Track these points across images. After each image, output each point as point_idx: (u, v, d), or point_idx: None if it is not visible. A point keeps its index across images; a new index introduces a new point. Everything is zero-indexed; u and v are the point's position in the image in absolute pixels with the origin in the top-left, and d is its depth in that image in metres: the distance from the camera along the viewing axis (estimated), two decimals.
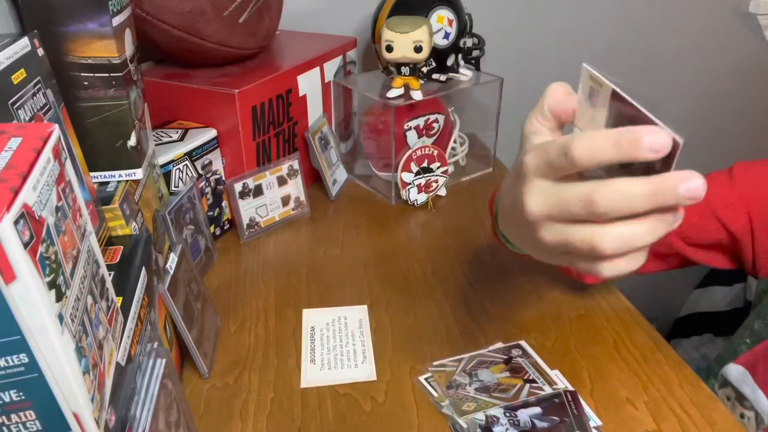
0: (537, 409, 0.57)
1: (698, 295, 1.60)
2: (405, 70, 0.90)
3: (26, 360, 0.30)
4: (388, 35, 0.86)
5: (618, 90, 0.33)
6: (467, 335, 0.69)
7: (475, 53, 1.03)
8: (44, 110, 0.49)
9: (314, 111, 0.97)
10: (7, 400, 0.32)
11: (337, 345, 0.68)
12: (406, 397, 0.61)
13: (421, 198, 0.97)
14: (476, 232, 0.90)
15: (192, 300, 0.64)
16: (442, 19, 0.95)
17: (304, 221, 0.93)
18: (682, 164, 0.31)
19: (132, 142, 0.60)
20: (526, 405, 0.58)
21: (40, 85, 0.48)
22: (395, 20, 0.88)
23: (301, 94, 0.93)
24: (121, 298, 0.47)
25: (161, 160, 0.75)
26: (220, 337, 0.69)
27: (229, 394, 0.62)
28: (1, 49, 0.44)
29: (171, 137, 0.80)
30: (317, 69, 0.95)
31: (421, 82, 0.92)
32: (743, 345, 0.67)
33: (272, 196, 0.90)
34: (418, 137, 1.00)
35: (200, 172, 0.82)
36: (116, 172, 0.62)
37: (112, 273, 0.51)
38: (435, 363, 0.65)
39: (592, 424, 0.57)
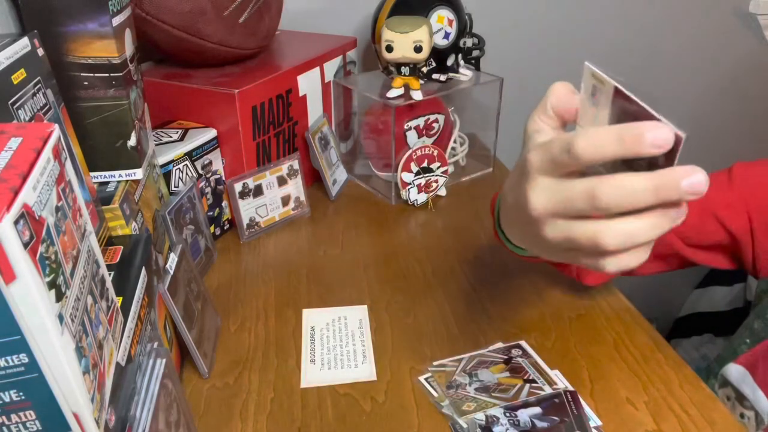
0: (537, 409, 0.57)
1: (698, 295, 1.60)
2: (405, 70, 0.90)
3: (26, 360, 0.30)
4: (388, 35, 0.86)
5: (620, 87, 0.33)
6: (467, 335, 0.69)
7: (475, 53, 1.03)
8: (44, 110, 0.49)
9: (314, 111, 0.97)
10: (7, 400, 0.32)
11: (337, 345, 0.68)
12: (406, 397, 0.61)
13: (421, 198, 0.97)
14: (476, 232, 0.90)
15: (192, 300, 0.64)
16: (442, 19, 0.95)
17: (304, 221, 0.93)
18: (682, 164, 0.31)
19: (132, 142, 0.60)
20: (526, 405, 0.58)
21: (40, 85, 0.48)
22: (395, 20, 0.88)
23: (301, 94, 0.93)
24: (121, 298, 0.47)
25: (161, 160, 0.75)
26: (220, 337, 0.69)
27: (229, 394, 0.62)
28: (1, 49, 0.44)
29: (171, 137, 0.80)
30: (317, 69, 0.95)
31: (421, 82, 0.92)
32: (743, 345, 0.67)
33: (272, 196, 0.90)
34: (418, 137, 1.00)
35: (200, 172, 0.82)
36: (116, 172, 0.62)
37: (112, 273, 0.51)
38: (435, 363, 0.65)
39: (592, 424, 0.57)
